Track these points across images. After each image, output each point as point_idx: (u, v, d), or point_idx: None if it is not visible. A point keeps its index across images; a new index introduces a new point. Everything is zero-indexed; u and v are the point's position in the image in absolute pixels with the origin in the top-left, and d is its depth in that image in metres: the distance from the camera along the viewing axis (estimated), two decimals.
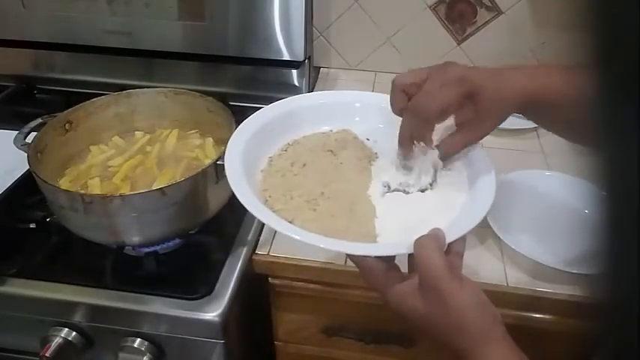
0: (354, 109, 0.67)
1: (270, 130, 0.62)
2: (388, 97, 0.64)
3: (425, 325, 0.47)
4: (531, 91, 0.54)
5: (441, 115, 0.55)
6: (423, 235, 0.48)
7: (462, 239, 0.51)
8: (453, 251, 0.50)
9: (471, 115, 0.55)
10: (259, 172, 0.60)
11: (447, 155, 0.58)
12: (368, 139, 0.65)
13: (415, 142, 0.58)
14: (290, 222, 0.52)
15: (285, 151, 0.63)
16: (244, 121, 0.62)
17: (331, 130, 0.66)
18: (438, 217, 0.54)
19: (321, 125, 0.66)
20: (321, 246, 0.49)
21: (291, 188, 0.57)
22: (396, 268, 0.51)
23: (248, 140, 0.60)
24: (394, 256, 0.51)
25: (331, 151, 0.63)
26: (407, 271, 0.51)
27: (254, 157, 0.60)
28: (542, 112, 0.57)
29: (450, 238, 0.49)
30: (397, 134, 0.59)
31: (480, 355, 0.45)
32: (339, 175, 0.60)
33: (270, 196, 0.56)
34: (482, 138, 0.58)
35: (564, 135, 0.61)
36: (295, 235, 0.50)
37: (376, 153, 0.64)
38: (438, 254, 0.46)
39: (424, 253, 0.47)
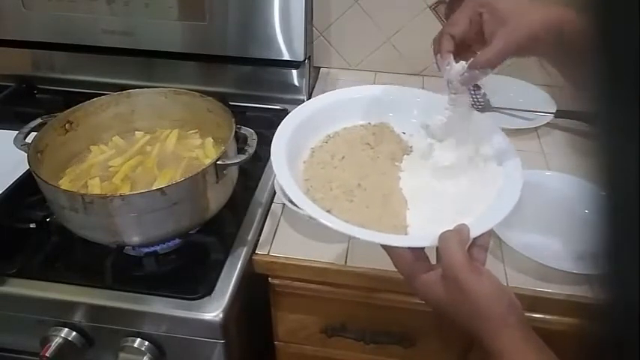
0: (392, 103, 0.69)
1: (312, 122, 0.66)
2: (423, 92, 0.70)
3: (447, 311, 0.51)
4: (554, 20, 0.53)
5: (460, 29, 0.57)
6: (448, 230, 0.51)
7: (487, 234, 0.54)
8: (477, 244, 0.53)
9: (496, 24, 0.55)
10: (301, 163, 0.63)
11: (478, 66, 0.56)
12: (404, 133, 0.68)
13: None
14: (328, 211, 0.56)
15: (326, 142, 0.66)
16: (290, 114, 0.65)
17: (369, 123, 0.68)
18: (466, 211, 0.57)
19: (360, 118, 0.69)
20: (354, 235, 0.52)
21: (331, 179, 0.61)
22: (424, 257, 0.54)
23: (292, 132, 0.63)
24: (423, 247, 0.54)
25: (369, 144, 0.66)
26: (435, 260, 0.54)
27: (297, 147, 0.63)
28: (572, 46, 0.53)
29: (474, 233, 0.52)
30: (431, 129, 0.64)
31: (495, 340, 0.48)
32: (375, 168, 0.63)
33: (311, 186, 0.60)
34: (507, 52, 0.55)
35: (571, 78, 0.59)
36: (332, 224, 0.53)
37: (411, 147, 0.66)
38: (460, 247, 0.50)
39: (447, 246, 0.50)
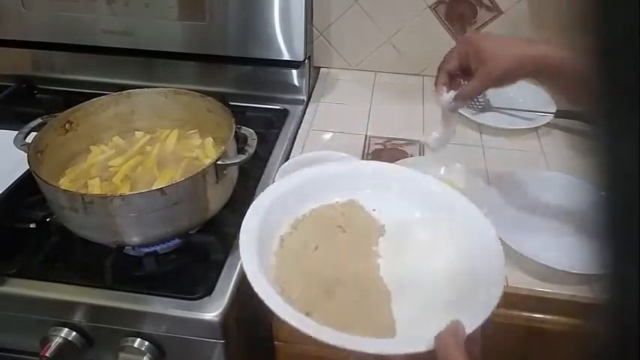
0: (358, 178, 0.67)
1: (279, 208, 0.62)
2: (392, 166, 0.70)
3: None
4: (531, 62, 0.63)
5: (451, 66, 0.69)
6: (442, 331, 0.48)
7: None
8: (469, 336, 0.49)
9: (478, 63, 0.66)
10: (272, 255, 0.59)
11: (460, 98, 0.69)
12: (374, 210, 0.65)
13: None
14: (307, 314, 0.52)
15: (295, 229, 0.62)
16: (254, 202, 0.61)
17: (337, 202, 0.65)
18: (453, 293, 0.54)
19: (327, 197, 0.65)
20: (342, 345, 0.47)
21: (306, 273, 0.57)
22: (418, 357, 0.50)
23: (259, 222, 0.59)
24: None
25: (340, 226, 0.63)
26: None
27: (266, 237, 0.59)
28: (551, 77, 0.65)
29: (469, 328, 0.49)
30: (400, 204, 0.64)
31: None
32: (351, 256, 0.60)
33: (285, 283, 0.55)
34: (484, 86, 0.67)
35: (574, 100, 0.67)
36: (313, 333, 0.49)
37: (384, 225, 0.64)
38: (458, 351, 0.47)
39: (445, 351, 0.47)
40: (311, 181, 0.66)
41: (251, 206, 0.61)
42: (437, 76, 0.71)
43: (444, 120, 0.73)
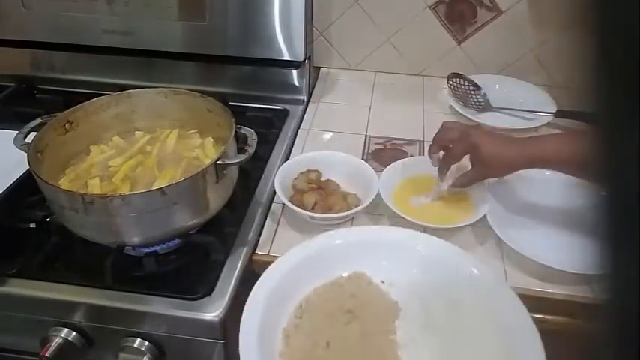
0: (360, 249, 0.63)
1: (278, 294, 0.57)
2: (392, 229, 0.71)
3: None
4: (524, 161, 0.71)
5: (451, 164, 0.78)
6: None
7: None
8: None
9: (476, 160, 0.74)
10: (277, 357, 0.53)
11: (456, 186, 0.78)
12: (383, 282, 0.62)
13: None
14: None
15: (300, 318, 0.57)
16: (252, 292, 0.57)
17: (342, 276, 0.61)
18: None
19: (330, 272, 0.61)
20: None
21: None
22: None
23: (260, 315, 0.54)
24: None
25: (351, 311, 0.57)
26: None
27: (267, 334, 0.54)
28: (550, 168, 0.74)
29: None
30: (408, 271, 0.62)
31: None
32: (370, 352, 0.54)
33: None
34: (480, 179, 0.77)
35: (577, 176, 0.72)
36: None
37: (397, 302, 0.59)
38: None
39: None
40: (309, 257, 0.62)
41: (249, 298, 0.56)
42: (438, 168, 0.79)
43: (434, 192, 0.81)
